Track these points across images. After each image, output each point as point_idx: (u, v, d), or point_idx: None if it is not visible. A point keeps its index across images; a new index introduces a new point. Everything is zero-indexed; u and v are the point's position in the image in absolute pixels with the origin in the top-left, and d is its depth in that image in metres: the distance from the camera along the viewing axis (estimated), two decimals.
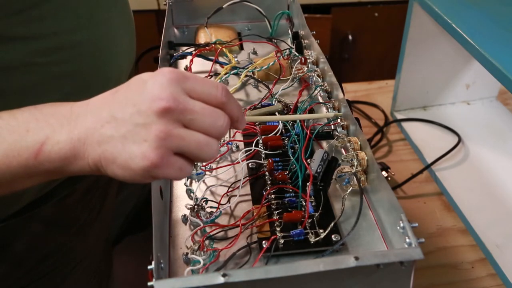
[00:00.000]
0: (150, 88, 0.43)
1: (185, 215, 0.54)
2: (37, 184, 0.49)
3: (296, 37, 0.80)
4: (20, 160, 0.46)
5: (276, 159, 0.60)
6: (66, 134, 0.45)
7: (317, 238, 0.50)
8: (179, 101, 0.43)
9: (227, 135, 0.66)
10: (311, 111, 0.67)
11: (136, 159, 0.43)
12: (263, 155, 0.61)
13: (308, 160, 0.57)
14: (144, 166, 0.43)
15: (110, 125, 0.44)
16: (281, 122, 0.64)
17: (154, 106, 0.42)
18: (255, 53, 0.82)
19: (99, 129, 0.44)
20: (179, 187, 0.59)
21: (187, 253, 0.49)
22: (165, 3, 0.84)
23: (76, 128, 0.45)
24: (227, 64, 0.77)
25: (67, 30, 0.63)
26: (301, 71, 0.74)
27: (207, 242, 0.51)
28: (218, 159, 0.62)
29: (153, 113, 0.42)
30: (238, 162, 0.61)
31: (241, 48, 0.83)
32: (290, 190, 0.56)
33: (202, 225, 0.53)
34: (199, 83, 0.45)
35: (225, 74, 0.75)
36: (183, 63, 0.80)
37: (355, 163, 0.57)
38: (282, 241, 0.50)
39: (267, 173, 0.58)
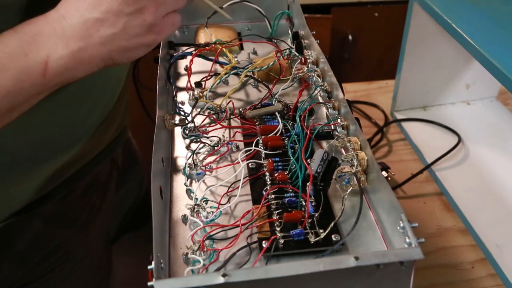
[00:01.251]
0: None
1: (185, 215, 0.54)
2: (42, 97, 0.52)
3: (296, 37, 0.80)
4: (31, 82, 0.49)
5: (276, 159, 0.60)
6: (65, 48, 0.49)
7: (317, 238, 0.50)
8: None
9: (227, 135, 0.66)
10: (311, 111, 0.67)
11: (145, 36, 0.52)
12: (263, 155, 0.61)
13: (308, 160, 0.57)
14: (154, 37, 0.53)
15: (105, 26, 0.49)
16: (281, 122, 0.64)
17: None
18: (255, 53, 0.82)
19: (96, 34, 0.49)
20: (179, 187, 0.59)
21: (187, 253, 0.49)
22: None
23: (70, 41, 0.49)
24: (227, 64, 0.76)
25: None
26: (301, 71, 0.74)
27: (207, 242, 0.51)
28: (218, 159, 0.63)
29: None
30: (238, 162, 0.61)
31: (241, 48, 0.83)
32: (290, 190, 0.56)
33: (202, 225, 0.53)
34: None
35: (225, 74, 0.75)
36: (183, 63, 0.80)
37: (355, 163, 0.57)
38: (282, 241, 0.50)
39: (267, 173, 0.58)
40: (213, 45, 0.79)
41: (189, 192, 0.58)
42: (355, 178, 0.56)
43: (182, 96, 0.72)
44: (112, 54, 0.51)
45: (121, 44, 0.51)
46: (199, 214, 0.54)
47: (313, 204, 0.54)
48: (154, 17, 0.52)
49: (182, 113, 0.66)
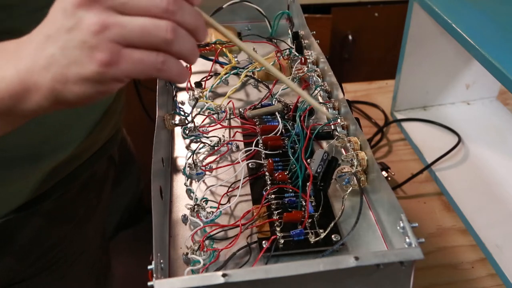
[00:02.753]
0: None
1: (185, 215, 0.54)
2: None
3: (296, 37, 0.80)
4: None
5: (276, 159, 0.60)
6: (13, 68, 0.41)
7: (317, 238, 0.50)
8: None
9: (227, 135, 0.66)
10: (311, 111, 0.67)
11: (85, 65, 0.39)
12: (263, 155, 0.61)
13: (308, 160, 0.57)
14: (97, 68, 0.39)
15: (47, 44, 0.40)
16: (281, 122, 0.64)
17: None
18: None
19: (41, 53, 0.40)
20: (179, 187, 0.59)
21: (187, 253, 0.49)
22: None
23: (21, 60, 0.41)
24: (227, 64, 0.77)
25: None
26: (301, 71, 0.74)
27: (207, 242, 0.51)
28: (218, 159, 0.63)
29: (77, 7, 0.38)
30: (238, 162, 0.61)
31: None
32: (290, 190, 0.56)
33: (202, 225, 0.53)
34: None
35: (225, 74, 0.75)
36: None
37: (355, 163, 0.57)
38: (282, 241, 0.50)
39: (267, 173, 0.58)
40: (213, 45, 0.79)
41: (189, 192, 0.58)
42: (355, 178, 0.56)
43: (182, 96, 0.72)
44: (54, 84, 0.40)
45: (61, 71, 0.40)
46: (199, 214, 0.54)
47: (313, 204, 0.54)
48: (96, 38, 0.38)
49: (182, 113, 0.66)
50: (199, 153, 0.63)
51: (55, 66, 0.40)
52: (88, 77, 0.39)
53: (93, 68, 0.39)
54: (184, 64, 0.44)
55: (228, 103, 0.70)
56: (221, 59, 0.78)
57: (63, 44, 0.39)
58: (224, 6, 0.80)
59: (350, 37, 1.78)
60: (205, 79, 0.74)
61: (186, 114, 0.66)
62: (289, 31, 0.83)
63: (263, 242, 0.50)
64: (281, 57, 0.76)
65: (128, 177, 0.97)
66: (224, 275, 0.40)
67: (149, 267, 0.42)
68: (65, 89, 0.41)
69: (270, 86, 0.72)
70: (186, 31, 0.41)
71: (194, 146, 0.64)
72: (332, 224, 0.51)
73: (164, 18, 0.39)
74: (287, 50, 0.77)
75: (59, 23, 0.39)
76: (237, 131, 0.66)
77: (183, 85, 0.74)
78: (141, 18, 0.39)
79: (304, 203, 0.54)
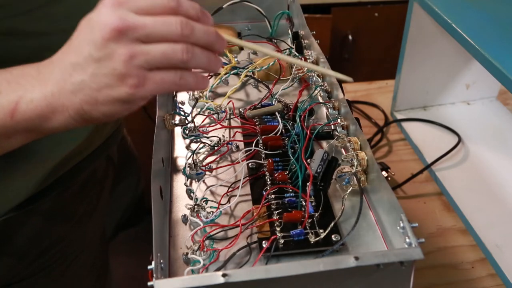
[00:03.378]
0: (96, 19, 0.44)
1: (185, 215, 0.54)
2: (20, 145, 0.50)
3: (296, 37, 0.80)
4: None
5: (276, 159, 0.60)
6: (39, 91, 0.46)
7: (317, 238, 0.50)
8: (127, 20, 0.43)
9: (227, 135, 0.66)
10: (311, 111, 0.67)
11: (116, 88, 0.44)
12: (263, 155, 0.61)
13: (308, 160, 0.57)
14: (128, 90, 0.44)
15: (76, 72, 0.45)
16: (281, 122, 0.64)
17: (105, 33, 0.43)
18: (255, 53, 0.82)
19: (69, 79, 0.45)
20: (179, 187, 0.59)
21: (187, 253, 0.49)
22: None
23: (47, 84, 0.46)
24: (227, 64, 0.77)
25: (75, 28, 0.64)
26: (301, 71, 0.74)
27: (207, 242, 0.51)
28: (218, 159, 0.63)
29: (108, 41, 0.43)
30: (238, 162, 0.61)
31: (241, 48, 0.83)
32: (290, 190, 0.56)
33: (202, 225, 0.53)
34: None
35: (225, 74, 0.75)
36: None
37: (355, 163, 0.57)
38: (282, 241, 0.50)
39: (267, 173, 0.58)
40: None
41: (189, 192, 0.58)
42: (355, 178, 0.56)
43: (182, 96, 0.72)
44: (83, 105, 0.45)
45: (91, 94, 0.45)
46: (199, 214, 0.54)
47: (313, 204, 0.54)
48: (126, 66, 0.43)
49: (182, 113, 0.66)
50: (199, 153, 0.63)
51: (84, 90, 0.45)
52: (119, 99, 0.45)
53: (124, 91, 0.45)
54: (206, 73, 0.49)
55: (228, 103, 0.70)
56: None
57: (93, 71, 0.44)
58: (224, 6, 0.80)
59: (350, 37, 1.79)
60: None
61: (186, 114, 0.66)
62: (289, 31, 0.83)
63: (263, 242, 0.50)
64: None
65: (128, 177, 0.98)
66: (224, 275, 0.40)
67: (149, 267, 0.42)
68: (93, 109, 0.46)
69: (270, 86, 0.72)
70: (202, 48, 0.46)
71: (194, 146, 0.64)
72: (332, 224, 0.51)
73: (180, 41, 0.45)
74: (287, 50, 0.77)
75: (87, 53, 0.44)
76: (237, 131, 0.66)
77: None
78: (161, 45, 0.44)
79: (304, 203, 0.54)
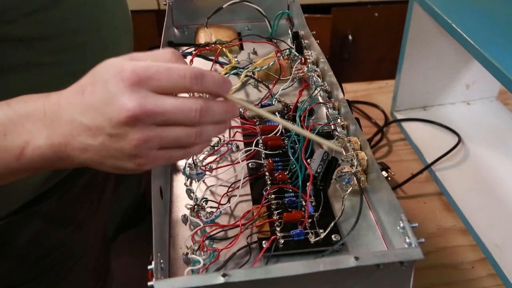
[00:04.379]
0: (114, 96, 0.42)
1: (185, 215, 0.54)
2: (25, 177, 0.50)
3: (296, 37, 0.80)
4: (3, 163, 0.47)
5: (276, 159, 0.60)
6: (46, 139, 0.46)
7: (317, 238, 0.50)
8: (146, 108, 0.42)
9: (227, 135, 0.66)
10: (311, 111, 0.67)
11: (122, 162, 0.45)
12: (263, 155, 0.61)
13: (308, 160, 0.57)
14: (134, 167, 0.45)
15: (86, 134, 0.44)
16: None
17: (123, 117, 0.42)
18: (255, 53, 0.82)
19: (77, 137, 0.45)
20: (179, 187, 0.59)
21: (187, 253, 0.49)
22: (165, 3, 0.84)
23: (54, 133, 0.45)
24: (227, 64, 0.77)
25: (73, 32, 0.64)
26: (301, 71, 0.74)
27: (207, 242, 0.51)
28: (218, 159, 0.63)
29: (124, 124, 0.42)
30: (238, 162, 0.61)
31: (241, 48, 0.83)
32: (290, 190, 0.56)
33: (202, 225, 0.53)
34: (163, 78, 0.43)
35: (225, 74, 0.75)
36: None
37: (355, 163, 0.57)
38: (282, 241, 0.50)
39: (267, 173, 0.58)
40: (213, 45, 0.79)
41: (189, 192, 0.58)
42: (355, 178, 0.56)
43: None
44: (88, 162, 0.46)
45: (98, 159, 0.45)
46: (199, 214, 0.54)
47: (313, 204, 0.54)
48: (137, 149, 0.43)
49: None
50: None
51: (91, 153, 0.45)
52: (126, 169, 0.46)
53: (130, 166, 0.45)
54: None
55: None
56: (221, 59, 0.78)
57: (103, 142, 0.44)
58: (224, 6, 0.80)
59: (350, 37, 1.79)
60: None
61: None
62: (289, 31, 0.83)
63: (263, 242, 0.50)
64: (281, 57, 0.76)
65: (130, 178, 0.97)
66: (224, 275, 0.40)
67: (149, 267, 0.42)
68: (98, 166, 0.47)
69: (270, 86, 0.72)
70: (214, 124, 0.46)
71: None
72: (332, 224, 0.51)
73: (196, 125, 0.45)
74: (287, 50, 0.77)
75: (100, 124, 0.43)
76: (237, 131, 0.66)
77: None
78: (176, 130, 0.44)
79: (304, 203, 0.54)
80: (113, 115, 0.42)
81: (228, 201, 0.56)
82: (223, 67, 0.76)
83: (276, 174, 0.57)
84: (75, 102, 0.45)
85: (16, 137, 0.46)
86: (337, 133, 0.62)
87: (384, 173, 0.89)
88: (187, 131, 0.45)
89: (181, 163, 0.62)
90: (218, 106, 0.45)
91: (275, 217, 0.52)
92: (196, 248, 0.50)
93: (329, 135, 0.63)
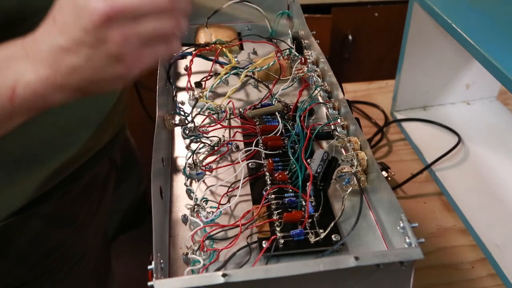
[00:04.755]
0: (83, 6, 0.43)
1: (185, 215, 0.54)
2: (22, 122, 0.50)
3: (296, 37, 0.80)
4: None
5: (276, 159, 0.60)
6: (33, 73, 0.46)
7: (317, 238, 0.50)
8: (116, 5, 0.43)
9: (227, 135, 0.66)
10: (311, 111, 0.67)
11: (112, 68, 0.45)
12: (263, 155, 0.61)
13: (308, 160, 0.57)
14: (123, 69, 0.46)
15: (69, 56, 0.45)
16: (281, 122, 0.64)
17: (95, 19, 0.43)
18: (255, 53, 0.82)
19: (62, 63, 0.45)
20: (179, 187, 0.59)
21: (187, 253, 0.49)
22: None
23: (39, 66, 0.46)
24: (227, 64, 0.77)
25: None
26: (301, 71, 0.74)
27: (207, 242, 0.51)
28: (218, 159, 0.63)
29: (99, 27, 0.43)
30: (238, 162, 0.61)
31: (241, 48, 0.83)
32: (290, 190, 0.56)
33: (202, 225, 0.53)
34: None
35: (225, 74, 0.75)
36: (183, 63, 0.80)
37: (355, 163, 0.57)
38: (282, 241, 0.50)
39: (267, 173, 0.58)
40: (213, 45, 0.79)
41: (189, 192, 0.58)
42: (355, 178, 0.56)
43: (182, 96, 0.72)
44: (81, 84, 0.47)
45: (88, 75, 0.46)
46: (199, 214, 0.54)
47: (313, 204, 0.54)
48: (121, 48, 0.44)
49: (182, 113, 0.66)
50: (199, 153, 0.63)
51: (80, 72, 0.45)
52: (116, 76, 0.46)
53: (121, 69, 0.46)
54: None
55: (228, 103, 0.70)
56: (221, 59, 0.78)
57: (87, 55, 0.45)
58: (224, 6, 0.80)
59: (350, 37, 1.79)
60: (205, 79, 0.74)
61: (186, 114, 0.66)
62: (289, 31, 0.83)
63: (263, 242, 0.50)
64: (281, 57, 0.76)
65: (130, 178, 0.97)
66: (224, 275, 0.40)
67: (149, 267, 0.42)
68: (91, 87, 0.47)
69: (270, 86, 0.72)
70: (184, 13, 0.50)
71: (194, 146, 0.64)
72: (332, 224, 0.51)
73: (167, 12, 0.47)
74: (287, 50, 0.77)
75: (77, 38, 0.44)
76: (237, 131, 0.66)
77: (183, 85, 0.74)
78: (152, 22, 0.46)
79: (304, 203, 0.54)
80: (86, 22, 0.43)
81: (228, 201, 0.56)
82: (223, 67, 0.76)
83: (276, 174, 0.57)
84: (50, 31, 0.46)
85: (5, 79, 0.46)
86: (337, 133, 0.62)
87: (384, 173, 0.89)
88: (163, 22, 0.46)
89: (181, 163, 0.62)
90: None
91: (275, 217, 0.52)
92: (196, 248, 0.50)
93: (329, 135, 0.63)
